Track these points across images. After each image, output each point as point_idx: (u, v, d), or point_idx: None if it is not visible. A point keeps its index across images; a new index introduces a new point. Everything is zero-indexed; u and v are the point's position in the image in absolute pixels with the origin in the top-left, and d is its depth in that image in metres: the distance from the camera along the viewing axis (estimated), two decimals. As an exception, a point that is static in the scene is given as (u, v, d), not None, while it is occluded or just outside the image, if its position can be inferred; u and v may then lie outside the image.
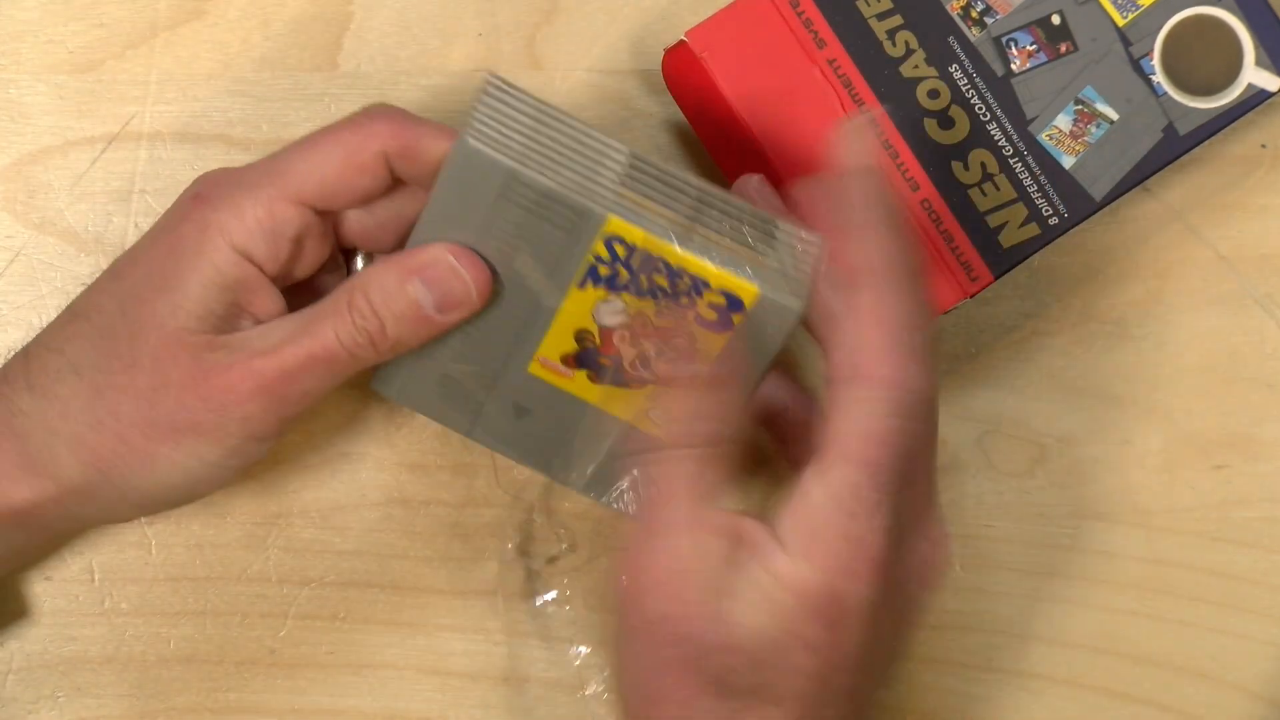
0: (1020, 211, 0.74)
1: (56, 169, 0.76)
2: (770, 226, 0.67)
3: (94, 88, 0.76)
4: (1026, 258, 0.74)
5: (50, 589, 0.76)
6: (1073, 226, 0.74)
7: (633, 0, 0.77)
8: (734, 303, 0.66)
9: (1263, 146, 0.78)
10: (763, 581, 0.63)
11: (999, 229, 0.73)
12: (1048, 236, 0.74)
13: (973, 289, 0.73)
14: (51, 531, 0.71)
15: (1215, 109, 0.74)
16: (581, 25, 0.77)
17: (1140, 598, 0.78)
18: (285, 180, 0.67)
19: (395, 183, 0.68)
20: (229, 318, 0.67)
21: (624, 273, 0.66)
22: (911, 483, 0.65)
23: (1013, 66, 0.74)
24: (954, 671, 0.77)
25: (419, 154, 0.67)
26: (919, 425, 0.64)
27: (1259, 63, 0.74)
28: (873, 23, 0.73)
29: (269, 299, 0.68)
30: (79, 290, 0.70)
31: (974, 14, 0.74)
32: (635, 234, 0.65)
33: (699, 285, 0.66)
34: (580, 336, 0.68)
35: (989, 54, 0.74)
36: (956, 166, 0.73)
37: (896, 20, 0.73)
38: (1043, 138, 0.74)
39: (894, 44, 0.73)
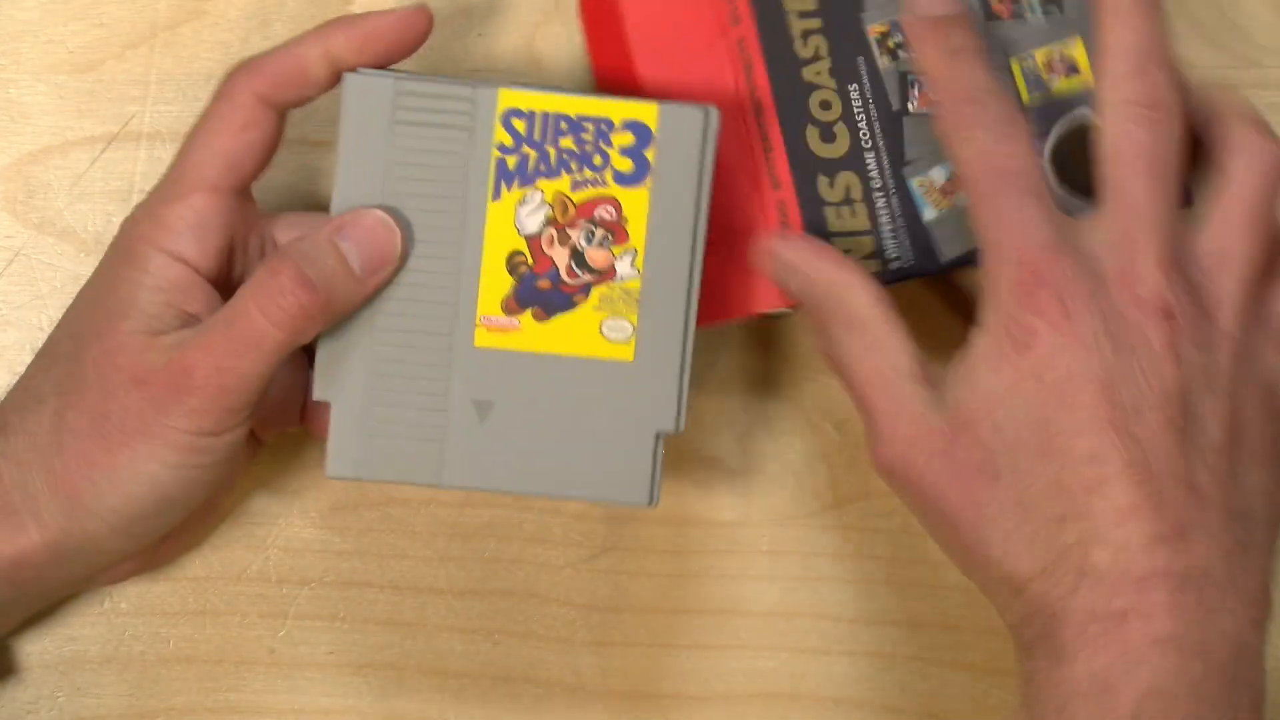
0: (867, 244, 0.72)
1: (56, 169, 0.76)
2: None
3: (94, 88, 0.76)
4: None
5: (50, 589, 0.76)
6: (912, 276, 0.72)
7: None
8: (642, 135, 0.68)
9: (1263, 146, 0.78)
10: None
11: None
12: (886, 278, 0.72)
13: (792, 302, 0.72)
14: (42, 584, 0.70)
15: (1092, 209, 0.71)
16: (581, 25, 0.77)
17: (1140, 598, 0.78)
18: (189, 175, 0.68)
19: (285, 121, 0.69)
20: (169, 321, 0.67)
21: (531, 153, 0.67)
22: None
23: (909, 106, 0.73)
24: (955, 672, 0.77)
25: (285, 76, 0.68)
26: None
27: None
28: (792, 18, 0.73)
29: (207, 300, 0.68)
30: (78, 290, 0.70)
31: (890, 44, 0.73)
32: (529, 98, 0.68)
33: (604, 132, 0.67)
34: (513, 264, 0.68)
35: (891, 86, 0.72)
36: (823, 181, 0.72)
37: (815, 23, 0.73)
38: (914, 183, 0.72)
39: (805, 45, 0.73)
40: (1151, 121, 0.68)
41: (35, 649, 0.76)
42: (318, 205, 0.74)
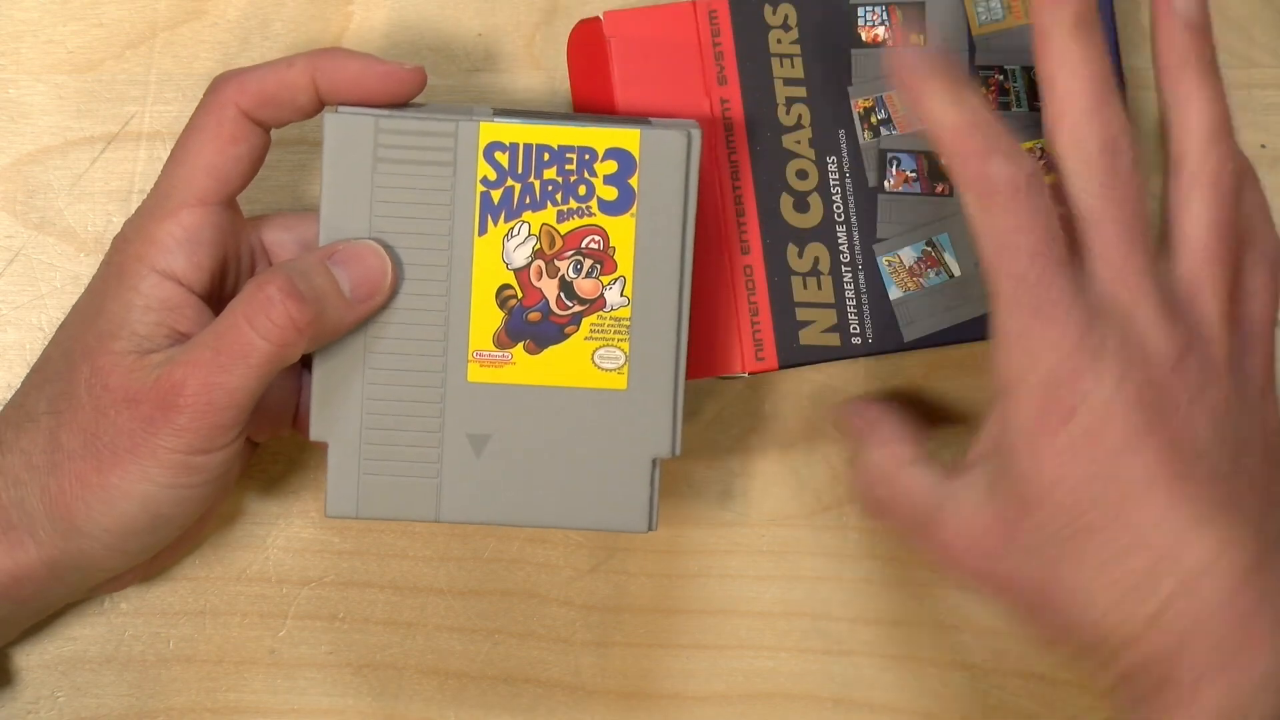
0: (830, 318, 0.72)
1: (56, 169, 0.76)
2: (641, 121, 0.69)
3: (94, 88, 0.76)
4: (820, 362, 0.72)
5: (50, 589, 0.76)
6: (874, 354, 0.72)
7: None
8: (625, 163, 0.68)
9: (1263, 146, 0.78)
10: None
11: (804, 325, 0.72)
12: (846, 352, 0.72)
13: (755, 368, 0.72)
14: (42, 599, 0.70)
15: None
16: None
17: (1140, 598, 0.78)
18: (178, 191, 0.68)
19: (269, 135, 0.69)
20: (159, 341, 0.67)
21: (515, 186, 0.67)
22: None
23: (886, 183, 0.73)
24: (955, 672, 0.77)
25: (270, 96, 0.68)
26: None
27: None
28: (778, 84, 0.72)
29: (199, 317, 0.68)
30: (78, 290, 0.70)
31: (874, 119, 0.73)
32: (511, 130, 0.67)
33: (587, 161, 0.67)
34: (503, 298, 0.68)
35: (870, 162, 0.72)
36: (793, 250, 0.72)
37: (801, 91, 0.72)
38: (883, 261, 0.72)
39: (788, 113, 0.72)
40: (1231, 191, 0.68)
41: (35, 649, 0.76)
42: (314, 206, 0.74)
